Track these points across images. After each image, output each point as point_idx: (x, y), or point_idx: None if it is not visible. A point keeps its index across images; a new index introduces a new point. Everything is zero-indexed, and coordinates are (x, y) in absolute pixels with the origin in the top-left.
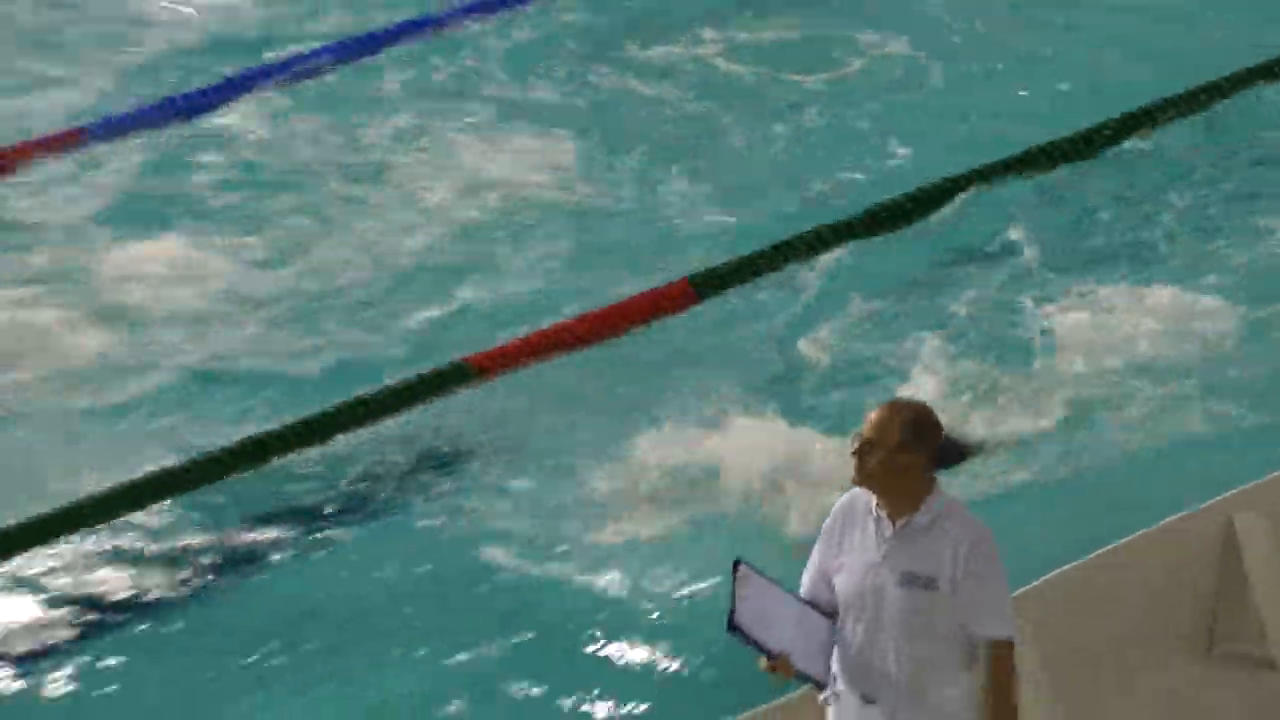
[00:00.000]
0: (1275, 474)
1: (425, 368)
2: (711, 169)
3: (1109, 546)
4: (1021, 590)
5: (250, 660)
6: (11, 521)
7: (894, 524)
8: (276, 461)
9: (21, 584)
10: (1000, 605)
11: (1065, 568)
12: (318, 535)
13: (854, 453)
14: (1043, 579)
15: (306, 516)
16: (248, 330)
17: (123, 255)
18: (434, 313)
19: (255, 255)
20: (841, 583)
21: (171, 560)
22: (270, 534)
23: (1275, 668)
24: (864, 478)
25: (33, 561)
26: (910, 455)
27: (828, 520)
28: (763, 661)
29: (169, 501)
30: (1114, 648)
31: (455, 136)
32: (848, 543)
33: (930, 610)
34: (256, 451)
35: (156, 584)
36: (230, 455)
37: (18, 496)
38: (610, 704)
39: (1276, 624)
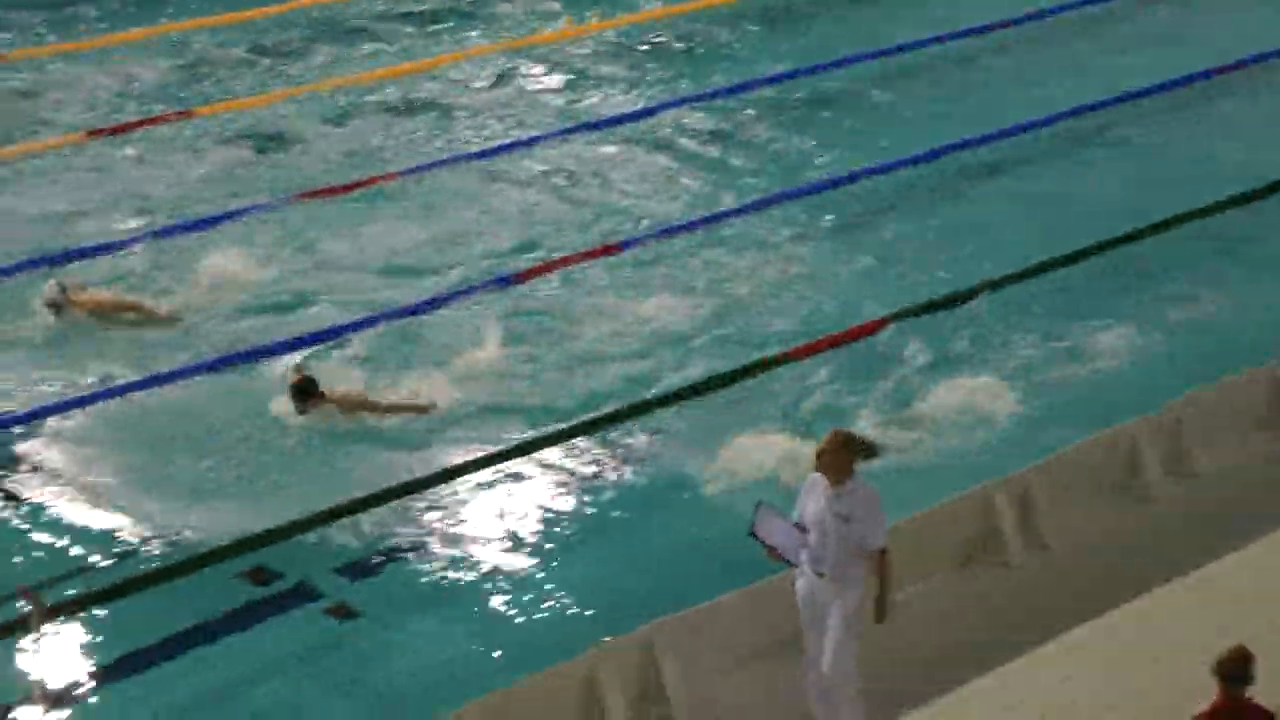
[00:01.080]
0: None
1: None
2: None
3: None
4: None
5: None
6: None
7: (833, 489)
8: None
9: None
10: (882, 529)
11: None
12: None
13: (815, 455)
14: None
15: None
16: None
17: None
18: None
19: None
20: (808, 516)
21: None
22: None
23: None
24: (819, 468)
25: None
26: (842, 458)
27: (804, 485)
28: (765, 553)
29: None
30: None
31: None
32: (813, 496)
33: (847, 532)
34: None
35: None
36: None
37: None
38: None
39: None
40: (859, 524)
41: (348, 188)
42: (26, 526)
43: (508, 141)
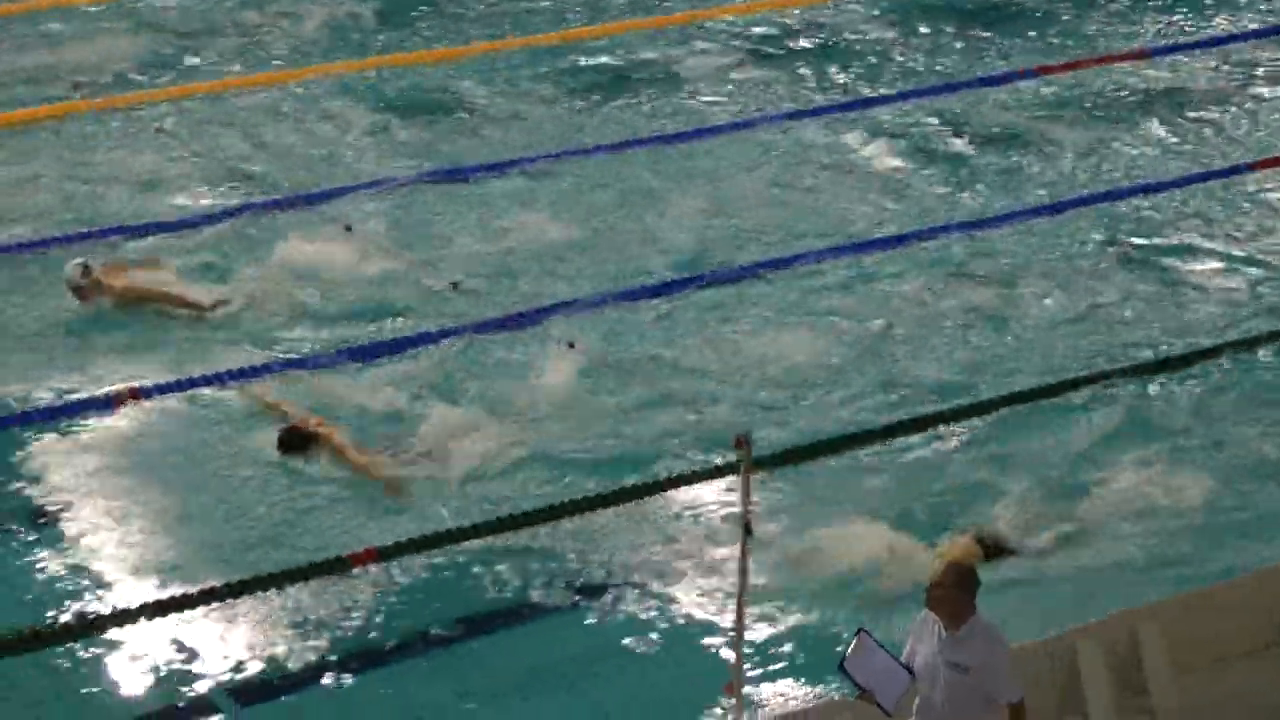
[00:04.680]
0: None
1: None
2: None
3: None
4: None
5: None
6: None
7: (946, 632)
8: None
9: None
10: (1010, 681)
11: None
12: None
13: (926, 589)
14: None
15: None
16: None
17: None
18: None
19: None
20: (917, 662)
21: None
22: None
23: None
24: (930, 605)
25: None
26: (957, 595)
27: (913, 623)
28: (857, 694)
29: None
30: None
31: None
32: (923, 638)
33: (962, 684)
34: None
35: None
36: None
37: None
38: None
39: None
40: (980, 676)
41: None
42: None
43: None
